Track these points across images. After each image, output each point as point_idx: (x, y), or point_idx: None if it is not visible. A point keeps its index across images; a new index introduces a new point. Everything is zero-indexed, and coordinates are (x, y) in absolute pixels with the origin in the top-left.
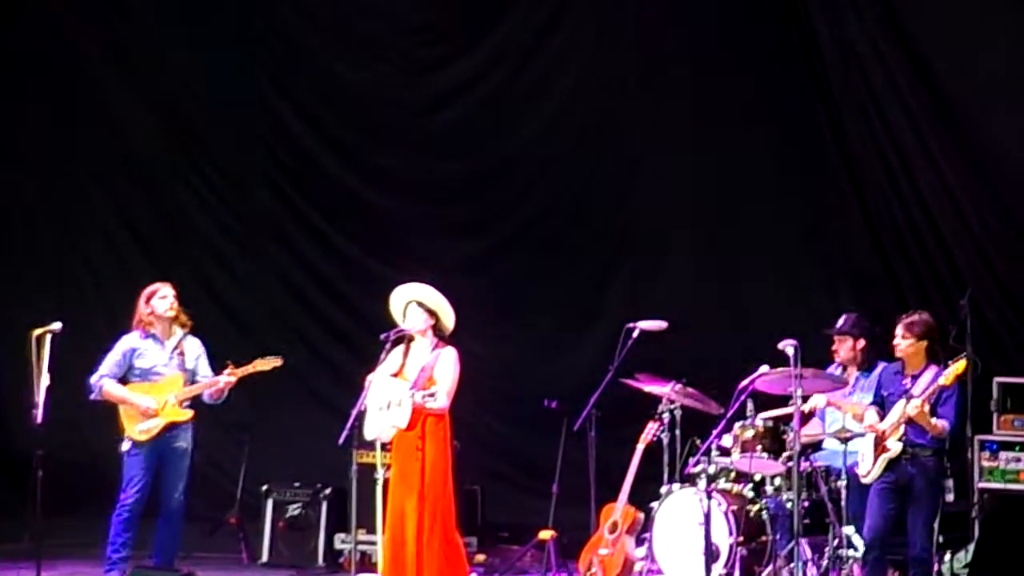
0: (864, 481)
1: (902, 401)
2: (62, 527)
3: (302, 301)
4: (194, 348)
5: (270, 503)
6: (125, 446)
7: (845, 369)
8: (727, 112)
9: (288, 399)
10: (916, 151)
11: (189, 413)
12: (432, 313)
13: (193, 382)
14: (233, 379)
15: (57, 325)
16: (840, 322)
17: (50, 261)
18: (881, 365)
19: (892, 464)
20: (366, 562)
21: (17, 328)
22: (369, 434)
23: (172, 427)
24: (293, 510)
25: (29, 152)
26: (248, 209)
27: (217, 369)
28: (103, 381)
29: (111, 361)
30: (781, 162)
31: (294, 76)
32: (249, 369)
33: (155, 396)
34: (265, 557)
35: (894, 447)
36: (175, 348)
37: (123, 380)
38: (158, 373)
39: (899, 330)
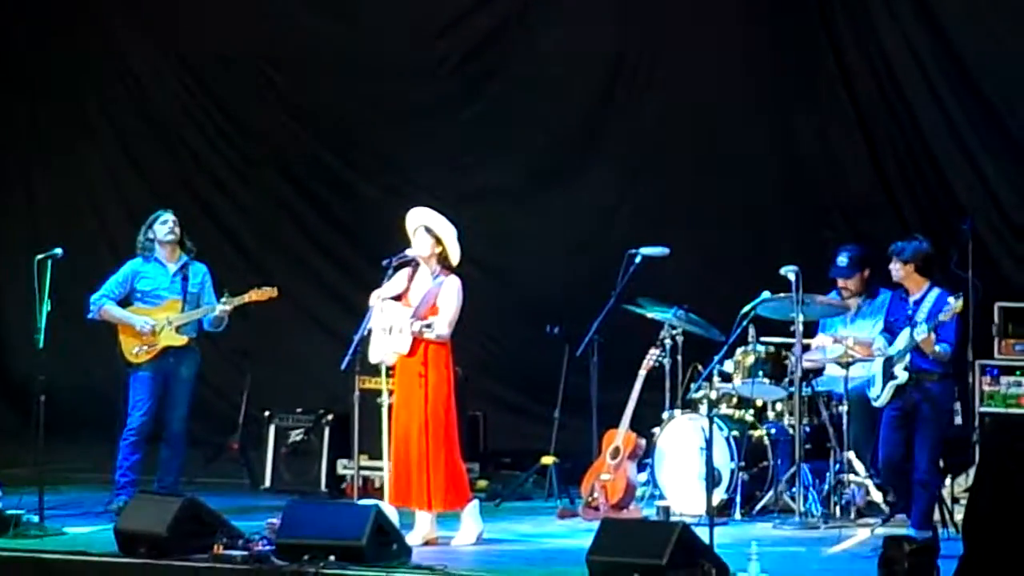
0: (875, 405)
1: (908, 328)
2: (65, 452)
3: (303, 228)
4: (198, 273)
5: (272, 429)
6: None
7: (849, 298)
8: (732, 42)
9: (290, 325)
10: (917, 84)
11: (184, 339)
12: (439, 241)
13: (197, 307)
14: (229, 307)
15: (58, 251)
16: (844, 262)
17: (56, 189)
18: (883, 293)
19: (899, 391)
20: (369, 488)
21: (20, 254)
22: (373, 357)
23: (174, 352)
24: (295, 436)
25: (39, 85)
26: (249, 139)
27: (218, 296)
28: (103, 301)
29: (113, 282)
30: (787, 94)
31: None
32: (245, 299)
33: (154, 319)
34: (267, 483)
35: (900, 375)
36: (178, 272)
37: (126, 303)
38: (159, 296)
39: (891, 256)
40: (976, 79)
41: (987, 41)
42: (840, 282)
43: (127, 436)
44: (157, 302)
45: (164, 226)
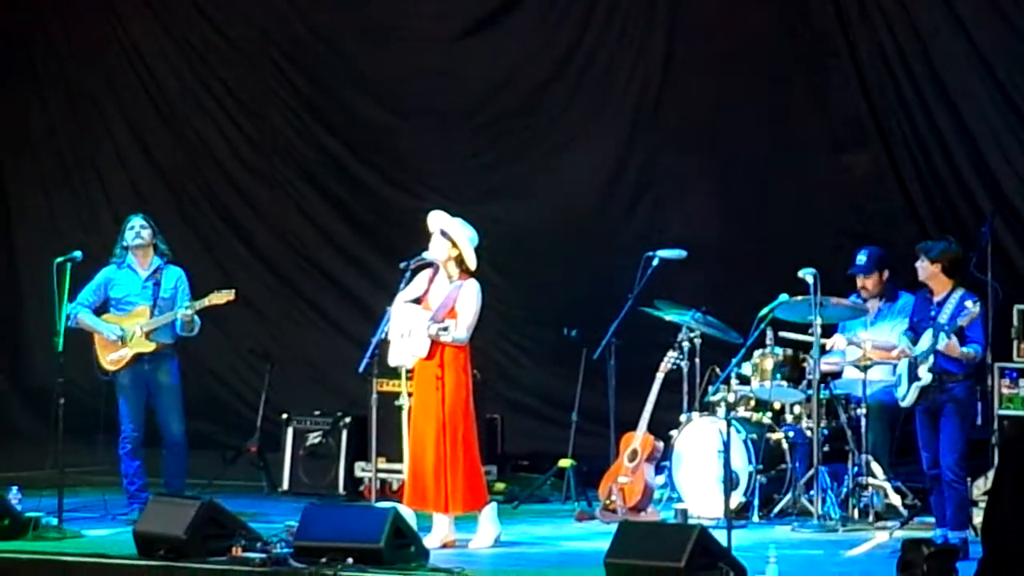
0: (902, 405)
1: (931, 329)
2: (84, 454)
3: (320, 229)
4: (171, 278)
5: (290, 431)
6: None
7: (867, 300)
8: (750, 49)
9: (308, 327)
10: (934, 85)
11: (154, 345)
12: (454, 244)
13: (173, 310)
14: (190, 312)
15: (78, 254)
16: (863, 260)
17: (74, 194)
18: (903, 296)
19: (924, 392)
20: (386, 490)
21: (40, 256)
22: (392, 361)
23: (149, 358)
24: (313, 438)
25: (56, 88)
26: (265, 136)
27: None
28: (77, 309)
29: (87, 290)
30: (802, 95)
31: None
32: (205, 302)
33: (125, 326)
34: (285, 485)
35: (924, 376)
36: (150, 278)
37: (103, 310)
38: (130, 303)
39: (919, 254)
40: (998, 80)
41: (1009, 41)
42: (859, 281)
43: (123, 445)
44: (128, 309)
45: (131, 232)
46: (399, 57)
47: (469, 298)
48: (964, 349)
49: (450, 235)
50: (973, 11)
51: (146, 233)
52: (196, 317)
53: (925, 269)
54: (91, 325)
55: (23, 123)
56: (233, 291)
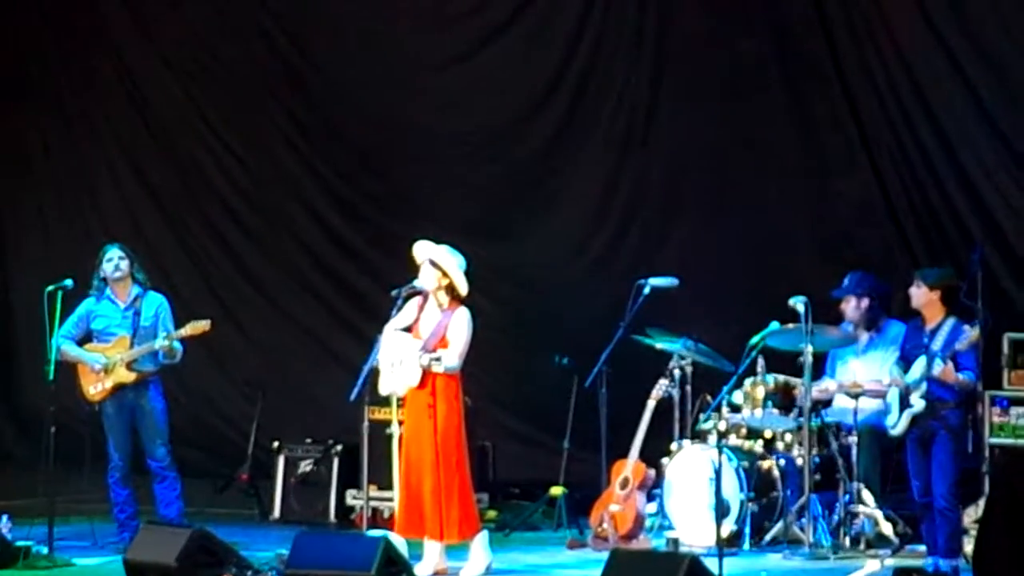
0: (892, 433)
1: (923, 357)
2: (75, 483)
3: (314, 257)
4: (151, 306)
5: (282, 459)
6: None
7: (856, 327)
8: (738, 75)
9: (300, 355)
10: (924, 112)
11: (134, 375)
12: (445, 273)
13: (154, 339)
14: (167, 343)
15: (69, 282)
16: (845, 282)
17: (68, 220)
18: (894, 325)
19: (916, 420)
20: (378, 518)
21: (35, 284)
22: (384, 390)
23: (132, 388)
24: (305, 466)
25: (51, 114)
26: (262, 165)
27: (181, 326)
28: (60, 341)
29: (69, 323)
30: (793, 122)
31: (311, 31)
32: (181, 333)
33: (108, 355)
34: (277, 513)
35: (917, 403)
36: (130, 307)
37: (86, 340)
38: (111, 333)
39: (915, 279)
40: (987, 109)
41: (992, 67)
42: (842, 304)
43: (112, 474)
44: (110, 339)
45: (110, 264)
46: (393, 84)
47: (460, 326)
48: (959, 376)
49: (439, 264)
50: (959, 38)
51: (124, 264)
52: (178, 343)
53: (923, 295)
54: (75, 356)
55: (17, 148)
56: (209, 321)
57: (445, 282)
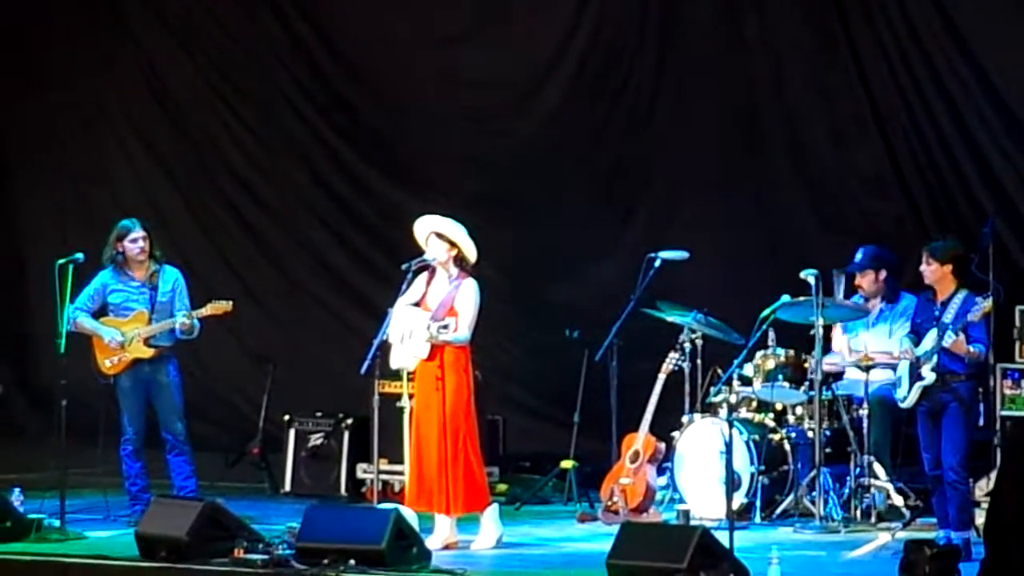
0: (902, 406)
1: (934, 329)
2: (87, 456)
3: (328, 229)
4: (168, 281)
5: (292, 433)
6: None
7: (868, 300)
8: (748, 48)
9: (312, 328)
10: (936, 86)
11: (151, 351)
12: (453, 244)
13: (170, 315)
14: (188, 320)
15: (80, 255)
16: (859, 257)
17: (79, 193)
18: (905, 297)
19: (927, 392)
20: (388, 492)
21: (46, 257)
22: (394, 363)
23: (148, 362)
24: (315, 440)
25: (64, 92)
26: (274, 137)
27: (197, 300)
28: (76, 313)
29: (85, 295)
30: (805, 97)
31: (322, 6)
32: (202, 312)
33: (123, 331)
34: (287, 487)
35: (928, 376)
36: (147, 283)
37: (102, 314)
38: (129, 308)
39: (924, 256)
40: (995, 84)
41: (1003, 41)
42: (857, 279)
43: (124, 447)
44: (127, 314)
45: (134, 244)
46: (404, 60)
47: (467, 296)
48: (969, 347)
49: (446, 235)
50: (970, 11)
51: (147, 244)
52: (196, 320)
53: (935, 271)
54: (91, 328)
55: (30, 125)
56: (231, 303)
57: (453, 252)
